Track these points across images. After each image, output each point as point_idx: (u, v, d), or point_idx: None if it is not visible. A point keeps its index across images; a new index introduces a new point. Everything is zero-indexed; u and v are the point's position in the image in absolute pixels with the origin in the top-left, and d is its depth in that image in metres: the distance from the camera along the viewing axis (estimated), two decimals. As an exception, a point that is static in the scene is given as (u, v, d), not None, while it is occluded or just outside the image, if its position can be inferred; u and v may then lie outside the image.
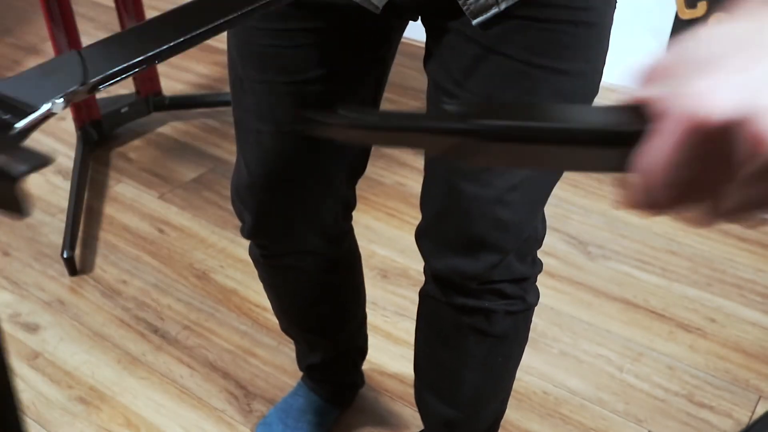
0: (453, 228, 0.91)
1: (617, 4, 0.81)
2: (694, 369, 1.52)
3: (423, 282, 1.04)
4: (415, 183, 1.94)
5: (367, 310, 1.34)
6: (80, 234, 1.85)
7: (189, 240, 1.86)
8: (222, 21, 0.54)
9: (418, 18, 0.85)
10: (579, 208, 1.90)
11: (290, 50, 0.86)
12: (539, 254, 0.99)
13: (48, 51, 2.52)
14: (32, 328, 1.61)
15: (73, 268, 1.75)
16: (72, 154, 2.06)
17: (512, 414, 1.42)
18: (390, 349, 1.56)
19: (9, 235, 1.86)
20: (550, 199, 0.93)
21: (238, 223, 1.06)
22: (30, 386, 1.48)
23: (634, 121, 0.36)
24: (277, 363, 1.54)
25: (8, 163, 0.34)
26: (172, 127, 2.30)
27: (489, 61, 0.79)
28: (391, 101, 2.31)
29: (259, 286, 1.24)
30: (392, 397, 1.47)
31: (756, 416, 1.43)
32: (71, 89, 0.47)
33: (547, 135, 0.35)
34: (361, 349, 1.37)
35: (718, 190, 0.35)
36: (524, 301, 0.99)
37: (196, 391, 1.48)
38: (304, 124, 0.34)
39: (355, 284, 1.25)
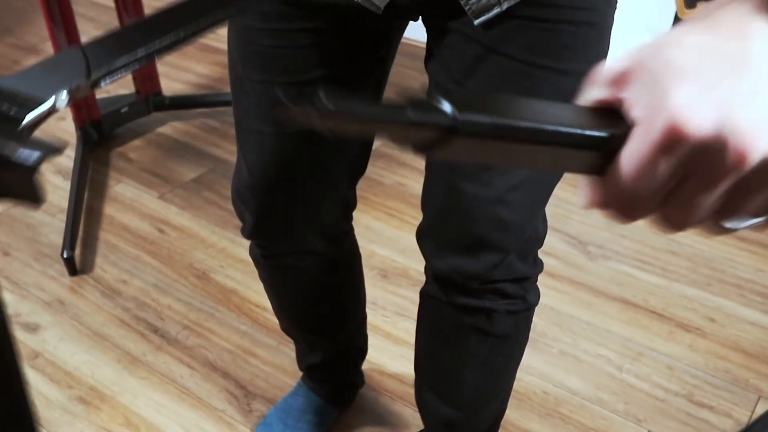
0: (454, 228, 0.91)
1: (617, 4, 0.81)
2: (694, 369, 1.52)
3: (423, 282, 1.04)
4: (415, 183, 1.94)
5: (367, 310, 1.34)
6: (80, 234, 1.86)
7: (189, 240, 1.86)
8: (223, 15, 0.54)
9: (419, 18, 0.85)
10: (579, 208, 1.90)
11: (291, 50, 0.86)
12: (539, 253, 0.99)
13: (48, 51, 2.52)
14: (32, 328, 1.61)
15: (73, 268, 1.75)
16: (72, 154, 2.06)
17: (512, 414, 1.42)
18: (390, 349, 1.56)
19: (9, 235, 1.86)
20: (550, 199, 0.93)
21: (238, 223, 1.06)
22: (30, 386, 1.48)
23: (609, 125, 0.35)
24: (277, 363, 1.54)
25: (22, 153, 0.34)
26: (172, 127, 2.30)
27: (490, 61, 0.79)
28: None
29: (259, 286, 1.25)
30: (392, 397, 1.47)
31: (756, 416, 1.43)
32: (75, 84, 0.47)
33: (523, 134, 0.35)
34: (361, 349, 1.37)
35: (690, 200, 0.35)
36: (525, 300, 0.99)
37: (196, 391, 1.48)
38: (280, 111, 0.33)
39: (355, 284, 1.25)
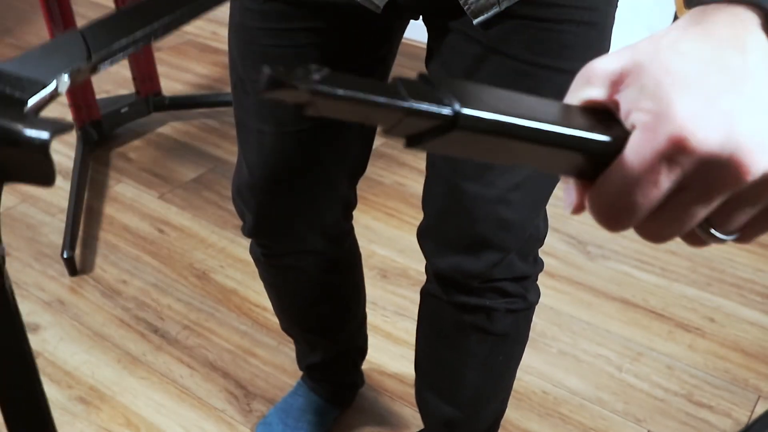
0: (455, 227, 0.91)
1: (618, 4, 0.81)
2: (694, 369, 1.52)
3: (423, 282, 1.04)
4: (414, 183, 1.94)
5: (367, 310, 1.34)
6: (80, 234, 1.86)
7: (189, 240, 1.86)
8: None
9: (419, 17, 0.85)
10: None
11: (291, 50, 0.86)
12: (539, 253, 1.00)
13: (48, 51, 2.52)
14: (32, 328, 1.61)
15: (73, 268, 1.75)
16: (72, 154, 2.06)
17: (512, 413, 1.42)
18: (390, 349, 1.56)
19: (9, 235, 1.86)
20: (550, 199, 0.93)
21: (238, 223, 1.06)
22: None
23: (604, 128, 0.34)
24: (277, 363, 1.54)
25: (32, 132, 0.34)
26: (172, 127, 2.30)
27: (490, 61, 0.79)
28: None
29: (259, 286, 1.25)
30: (392, 397, 1.47)
31: (755, 416, 1.43)
32: (75, 66, 0.47)
33: (523, 133, 0.33)
34: (361, 349, 1.38)
35: (683, 211, 0.34)
36: (525, 299, 0.99)
37: (196, 390, 1.48)
38: (262, 82, 0.30)
39: (355, 284, 1.26)
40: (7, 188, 1.83)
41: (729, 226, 0.36)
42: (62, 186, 2.03)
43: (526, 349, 1.11)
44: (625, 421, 1.42)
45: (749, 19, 0.35)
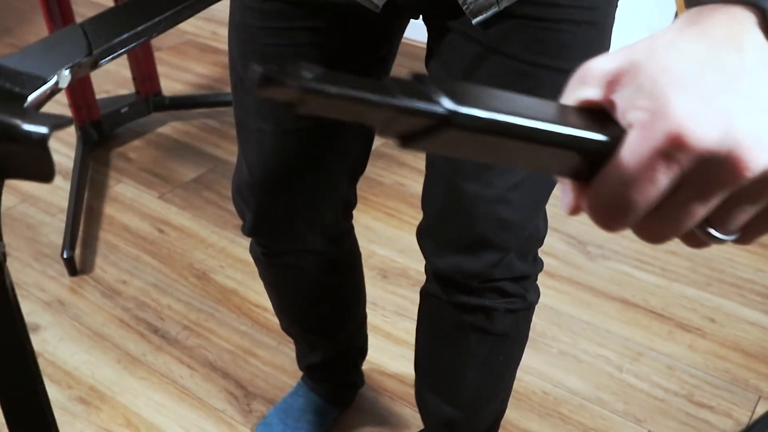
0: (455, 227, 0.91)
1: (618, 3, 0.81)
2: (694, 369, 1.52)
3: (423, 282, 1.04)
4: (414, 183, 1.94)
5: (367, 310, 1.34)
6: (80, 234, 1.86)
7: (189, 240, 1.86)
8: None
9: (419, 17, 0.85)
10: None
11: (291, 49, 0.86)
12: (539, 253, 1.00)
13: (48, 51, 2.52)
14: (32, 329, 1.61)
15: (73, 268, 1.75)
16: (72, 154, 2.06)
17: (512, 414, 1.42)
18: (390, 349, 1.56)
19: (9, 235, 1.86)
20: (551, 199, 0.93)
21: (238, 223, 1.06)
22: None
23: (600, 127, 0.34)
24: (277, 363, 1.54)
25: (31, 126, 0.34)
26: (172, 127, 2.30)
27: (490, 61, 0.79)
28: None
29: (259, 286, 1.24)
30: (392, 397, 1.47)
31: (756, 416, 1.43)
32: (76, 61, 0.47)
33: (518, 132, 0.33)
34: (361, 349, 1.38)
35: (680, 210, 0.34)
36: (525, 299, 0.99)
37: (196, 391, 1.48)
38: (253, 80, 0.30)
39: (355, 284, 1.26)
40: (7, 188, 1.81)
41: (728, 226, 0.36)
42: (62, 186, 2.03)
43: (526, 349, 1.11)
44: (625, 422, 1.42)
45: (746, 18, 0.35)
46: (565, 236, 1.84)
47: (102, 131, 2.16)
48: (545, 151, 0.34)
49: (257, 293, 1.67)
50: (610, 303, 1.67)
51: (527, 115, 0.33)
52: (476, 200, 0.86)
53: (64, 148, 2.17)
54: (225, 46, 0.94)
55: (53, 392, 1.47)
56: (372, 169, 2.05)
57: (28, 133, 0.33)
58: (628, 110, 0.34)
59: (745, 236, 0.37)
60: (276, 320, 1.31)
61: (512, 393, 1.17)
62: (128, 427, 1.41)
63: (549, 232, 0.99)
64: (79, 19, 1.98)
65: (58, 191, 2.02)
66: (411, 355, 1.15)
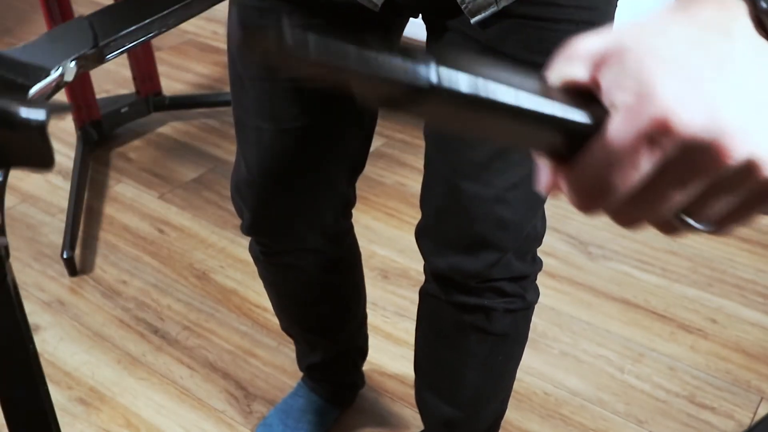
0: (453, 227, 0.91)
1: (618, 4, 0.81)
2: (695, 370, 1.52)
3: (423, 282, 1.04)
4: (415, 183, 1.93)
5: (368, 310, 1.33)
6: (80, 234, 1.85)
7: (189, 240, 1.86)
8: None
9: (418, 15, 0.85)
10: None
11: None
12: (539, 253, 0.99)
13: (48, 51, 2.52)
14: (32, 329, 1.60)
15: (73, 269, 1.75)
16: (72, 154, 2.06)
17: (512, 414, 1.41)
18: (390, 350, 1.56)
19: (9, 235, 1.86)
20: (551, 200, 0.93)
21: (238, 223, 1.05)
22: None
23: (584, 107, 0.34)
24: (277, 363, 1.54)
25: (29, 111, 0.33)
26: (172, 127, 2.30)
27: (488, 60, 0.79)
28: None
29: (259, 286, 1.24)
30: (393, 398, 1.46)
31: (758, 417, 1.42)
32: (81, 52, 0.47)
33: (504, 107, 0.32)
34: (361, 349, 1.37)
35: (659, 195, 0.34)
36: (524, 299, 0.99)
37: (196, 391, 1.48)
38: (238, 38, 0.29)
39: (355, 283, 1.25)
40: (7, 188, 1.81)
41: (704, 215, 0.35)
42: (62, 186, 2.03)
43: (526, 349, 1.10)
44: (626, 423, 1.41)
45: (736, 7, 0.35)
46: (566, 236, 1.84)
47: (102, 131, 2.16)
48: (528, 126, 0.33)
49: (257, 293, 1.67)
50: (611, 303, 1.67)
51: (513, 87, 0.33)
52: (475, 200, 0.86)
53: (64, 148, 2.17)
54: (225, 46, 0.94)
55: (53, 393, 1.46)
56: (372, 169, 2.04)
57: (26, 120, 0.33)
58: (613, 91, 0.33)
59: (720, 226, 0.36)
60: (276, 320, 1.31)
61: (513, 394, 1.17)
62: (128, 427, 1.41)
63: (549, 232, 0.99)
64: (79, 19, 1.98)
65: (58, 191, 2.02)
66: (411, 355, 1.15)
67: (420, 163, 0.94)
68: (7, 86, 0.41)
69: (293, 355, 1.40)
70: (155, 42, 2.50)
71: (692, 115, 0.32)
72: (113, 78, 2.50)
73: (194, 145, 2.21)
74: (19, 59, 0.44)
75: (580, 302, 1.67)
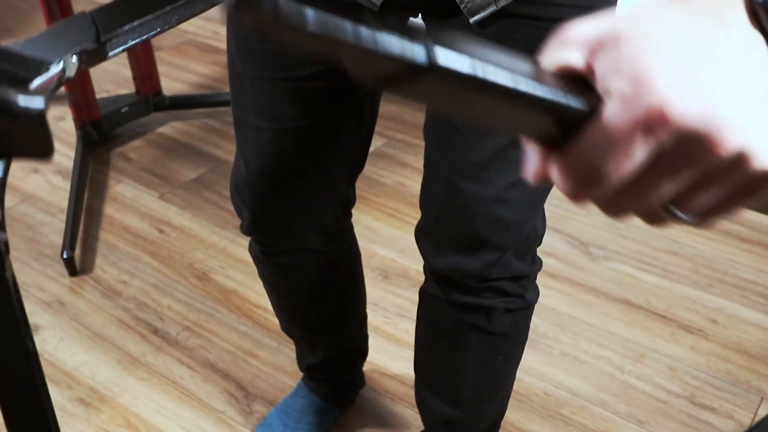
0: (453, 227, 0.91)
1: (617, 3, 0.81)
2: (696, 370, 1.51)
3: (423, 282, 1.04)
4: (415, 183, 1.93)
5: (368, 310, 1.33)
6: (80, 234, 1.85)
7: (189, 240, 1.85)
8: None
9: (417, 15, 0.85)
10: (580, 209, 1.89)
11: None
12: (540, 254, 0.99)
13: (48, 51, 2.52)
14: (32, 329, 1.60)
15: (73, 269, 1.74)
16: (72, 154, 2.06)
17: (513, 415, 1.41)
18: (391, 350, 1.56)
19: (9, 235, 1.85)
20: (551, 200, 0.92)
21: (238, 223, 1.05)
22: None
23: (578, 93, 0.33)
24: (278, 364, 1.54)
25: (27, 99, 0.33)
26: (172, 127, 2.30)
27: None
28: (391, 100, 2.31)
29: (259, 287, 1.24)
30: (393, 398, 1.46)
31: (758, 418, 1.42)
32: (84, 47, 0.46)
33: (499, 89, 0.32)
34: (361, 350, 1.37)
35: (649, 184, 0.34)
36: (523, 299, 0.99)
37: (197, 392, 1.48)
38: (237, 5, 0.28)
39: (355, 283, 1.25)
40: (7, 188, 1.81)
41: (691, 207, 0.35)
42: (62, 186, 2.03)
43: (527, 350, 1.10)
44: (627, 423, 1.41)
45: None
46: (567, 237, 1.84)
47: (102, 131, 2.16)
48: (522, 110, 0.33)
49: (257, 294, 1.67)
50: (611, 304, 1.67)
51: (510, 70, 0.32)
52: (474, 200, 0.86)
53: (64, 148, 2.17)
54: (225, 46, 0.93)
55: (53, 393, 1.46)
56: (373, 170, 2.04)
57: (26, 109, 0.33)
58: (608, 78, 0.33)
59: (706, 219, 0.36)
60: (276, 321, 1.31)
61: (513, 394, 1.17)
62: (128, 427, 1.41)
63: (550, 232, 0.98)
64: (79, 19, 1.98)
65: (58, 191, 2.02)
66: (412, 356, 1.15)
67: (420, 163, 0.94)
68: (7, 79, 0.41)
69: (293, 355, 1.39)
70: (155, 42, 2.50)
71: (688, 105, 0.31)
72: (113, 78, 2.50)
73: (194, 145, 2.21)
74: (19, 52, 0.44)
75: (581, 303, 1.67)
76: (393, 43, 0.29)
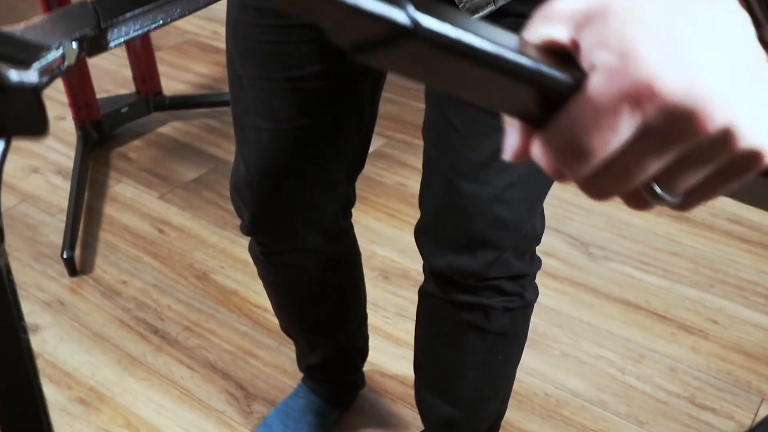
0: (452, 226, 0.91)
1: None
2: (696, 371, 1.51)
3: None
4: (415, 183, 1.92)
5: (368, 311, 1.33)
6: (80, 234, 1.85)
7: (189, 240, 1.85)
8: None
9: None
10: (580, 209, 1.89)
11: (288, 46, 0.86)
12: (540, 254, 0.99)
13: (48, 51, 2.51)
14: (32, 329, 1.61)
15: (73, 269, 1.74)
16: (72, 154, 2.06)
17: (513, 415, 1.41)
18: (391, 350, 1.56)
19: (9, 235, 1.86)
20: (551, 200, 0.92)
21: (238, 223, 1.05)
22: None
23: (563, 67, 0.32)
24: (278, 364, 1.54)
25: (21, 74, 0.32)
26: (172, 127, 2.30)
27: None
28: (391, 100, 2.31)
29: (259, 287, 1.24)
30: (393, 399, 1.46)
31: (759, 418, 1.42)
32: (85, 32, 0.46)
33: (484, 57, 0.31)
34: (361, 350, 1.37)
35: (633, 161, 0.33)
36: (523, 298, 0.99)
37: (197, 392, 1.48)
38: None
39: (355, 283, 1.25)
40: (7, 188, 1.80)
41: (675, 187, 0.35)
42: (62, 186, 2.03)
43: (527, 350, 1.10)
44: (627, 424, 1.41)
45: None
46: (567, 237, 1.84)
47: (102, 131, 2.16)
48: (504, 81, 0.32)
49: (258, 294, 1.67)
50: (611, 304, 1.66)
51: (494, 40, 0.31)
52: (473, 199, 0.86)
53: (64, 148, 2.17)
54: (225, 46, 0.93)
55: (53, 393, 1.47)
56: (373, 170, 2.04)
57: (20, 84, 0.32)
58: (594, 52, 0.32)
59: (689, 201, 0.36)
60: (276, 321, 1.31)
61: (513, 394, 1.17)
62: (128, 428, 1.41)
63: (550, 232, 0.98)
64: (79, 19, 1.98)
65: (58, 191, 2.02)
66: (412, 356, 1.15)
67: (420, 163, 0.94)
68: (5, 61, 0.40)
69: (293, 355, 1.39)
70: (155, 42, 2.50)
71: (676, 79, 0.31)
72: (113, 78, 2.50)
73: (194, 145, 2.21)
74: (19, 37, 0.43)
75: (581, 303, 1.67)
76: (377, 4, 0.28)
